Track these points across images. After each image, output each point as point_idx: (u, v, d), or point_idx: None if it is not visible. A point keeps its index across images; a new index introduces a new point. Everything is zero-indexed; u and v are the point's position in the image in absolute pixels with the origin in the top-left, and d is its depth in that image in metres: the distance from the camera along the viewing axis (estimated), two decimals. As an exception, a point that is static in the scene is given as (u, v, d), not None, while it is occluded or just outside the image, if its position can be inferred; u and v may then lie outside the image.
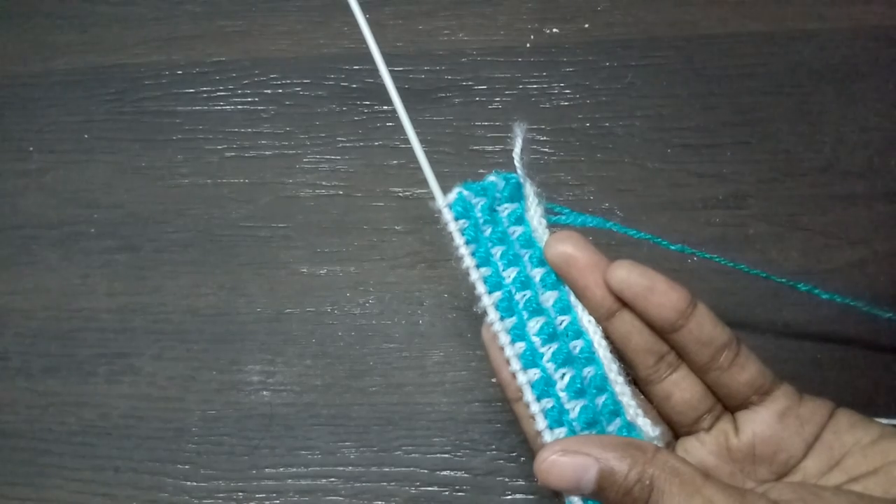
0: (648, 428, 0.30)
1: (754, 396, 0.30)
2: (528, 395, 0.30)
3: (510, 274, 0.31)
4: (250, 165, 0.46)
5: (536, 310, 0.31)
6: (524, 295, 0.31)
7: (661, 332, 0.30)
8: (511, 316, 0.30)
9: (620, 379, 0.30)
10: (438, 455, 0.40)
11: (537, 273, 0.31)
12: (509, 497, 0.40)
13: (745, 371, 0.30)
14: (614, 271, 0.29)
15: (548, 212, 0.32)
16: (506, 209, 0.31)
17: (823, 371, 0.40)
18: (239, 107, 0.47)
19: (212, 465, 0.41)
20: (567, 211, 0.32)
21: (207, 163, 0.46)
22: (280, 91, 0.47)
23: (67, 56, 0.49)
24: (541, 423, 0.29)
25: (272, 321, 0.43)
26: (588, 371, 0.30)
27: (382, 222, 0.44)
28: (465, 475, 0.40)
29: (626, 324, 0.30)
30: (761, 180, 0.43)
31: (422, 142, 0.31)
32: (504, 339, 0.30)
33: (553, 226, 0.32)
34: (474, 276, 0.31)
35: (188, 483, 0.41)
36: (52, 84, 0.49)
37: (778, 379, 0.30)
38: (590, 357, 0.30)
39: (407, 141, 0.31)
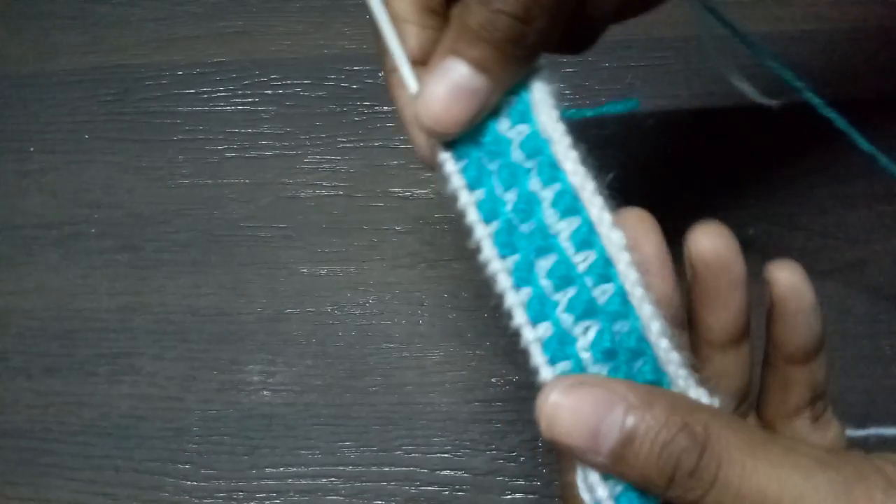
0: (704, 399, 0.22)
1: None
2: (539, 358, 0.22)
3: (511, 197, 0.23)
4: (251, 166, 0.46)
5: (546, 244, 0.23)
6: (530, 225, 0.23)
7: (792, 361, 0.24)
8: (513, 253, 0.23)
9: (664, 342, 0.22)
10: (438, 455, 0.40)
11: (548, 193, 0.23)
12: (509, 497, 0.40)
13: (829, 431, 0.25)
14: (778, 272, 0.22)
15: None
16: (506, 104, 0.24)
17: (823, 371, 0.40)
18: (239, 107, 0.47)
19: (212, 465, 0.41)
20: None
21: (208, 163, 0.46)
22: (280, 91, 0.47)
23: (68, 56, 0.49)
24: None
25: (272, 321, 0.43)
26: (620, 326, 0.22)
27: (382, 222, 0.44)
28: (465, 475, 0.40)
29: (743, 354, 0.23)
30: (761, 180, 0.43)
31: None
32: (505, 282, 0.23)
33: (568, 121, 0.24)
34: (465, 199, 0.23)
35: (188, 483, 0.41)
36: (52, 84, 0.49)
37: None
38: (622, 308, 0.22)
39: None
